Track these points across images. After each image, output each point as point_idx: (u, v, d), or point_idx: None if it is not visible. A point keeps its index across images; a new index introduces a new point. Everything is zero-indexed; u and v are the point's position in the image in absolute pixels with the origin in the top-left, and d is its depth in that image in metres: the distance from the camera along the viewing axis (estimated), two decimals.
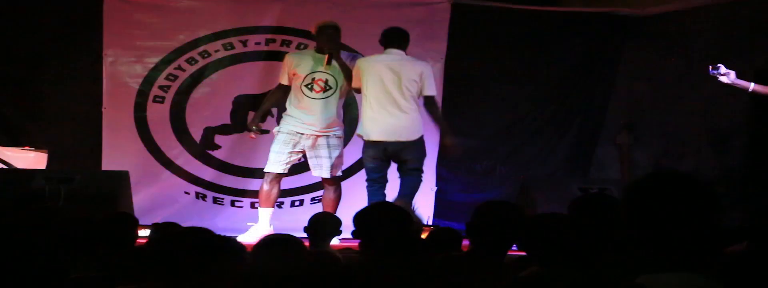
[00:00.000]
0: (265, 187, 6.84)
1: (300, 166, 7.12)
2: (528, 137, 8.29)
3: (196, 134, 7.70)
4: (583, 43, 8.24)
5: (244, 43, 7.65)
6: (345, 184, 7.07)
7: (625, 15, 8.14)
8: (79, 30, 7.58)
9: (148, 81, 7.59)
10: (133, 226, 4.34)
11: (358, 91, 6.78)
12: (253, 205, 7.50)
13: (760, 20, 7.25)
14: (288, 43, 7.68)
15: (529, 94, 8.27)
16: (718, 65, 6.17)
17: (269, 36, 7.69)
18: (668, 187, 1.99)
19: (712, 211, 1.97)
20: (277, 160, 6.78)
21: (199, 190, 7.70)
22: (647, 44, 8.17)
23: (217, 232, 2.65)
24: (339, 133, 6.85)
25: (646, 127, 8.28)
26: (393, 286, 2.59)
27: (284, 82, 6.89)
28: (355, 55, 7.02)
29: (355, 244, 3.60)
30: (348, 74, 6.71)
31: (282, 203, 7.56)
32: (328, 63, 6.67)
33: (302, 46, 7.56)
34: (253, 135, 6.95)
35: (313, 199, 7.72)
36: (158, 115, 7.61)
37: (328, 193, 6.93)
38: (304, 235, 4.61)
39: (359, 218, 3.53)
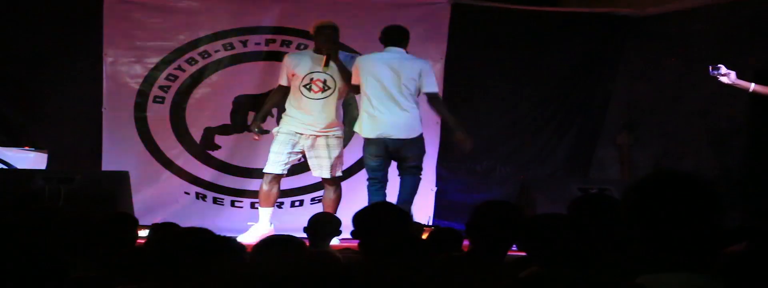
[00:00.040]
0: (265, 187, 6.84)
1: (300, 167, 7.12)
2: (528, 137, 8.29)
3: (196, 134, 7.70)
4: (583, 43, 8.24)
5: (244, 44, 7.66)
6: (345, 184, 7.06)
7: (625, 15, 8.14)
8: (79, 30, 7.58)
9: (148, 81, 7.59)
10: (133, 226, 4.34)
11: (357, 90, 6.78)
12: (253, 206, 7.50)
13: (760, 20, 7.25)
14: (288, 44, 7.68)
15: (529, 94, 8.27)
16: (719, 65, 6.17)
17: (269, 36, 7.69)
18: (669, 186, 1.98)
19: (713, 211, 1.97)
20: (276, 161, 6.78)
21: (199, 190, 7.70)
22: (647, 44, 8.16)
23: (218, 232, 2.65)
24: (338, 133, 6.84)
25: (646, 127, 8.28)
26: (393, 286, 2.58)
27: (283, 83, 6.89)
28: (355, 55, 7.01)
29: (355, 244, 3.60)
30: (346, 75, 6.70)
31: (282, 203, 7.56)
32: (326, 64, 6.68)
33: (302, 47, 7.56)
34: (256, 136, 6.95)
35: (313, 199, 7.72)
36: (158, 115, 7.62)
37: (328, 193, 6.93)
38: (304, 235, 4.62)
39: (359, 218, 3.53)
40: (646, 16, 8.09)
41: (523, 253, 3.32)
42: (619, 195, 2.08)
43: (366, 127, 6.64)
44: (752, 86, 6.17)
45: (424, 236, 4.97)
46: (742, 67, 6.40)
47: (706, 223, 1.96)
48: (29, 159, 7.19)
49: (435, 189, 7.88)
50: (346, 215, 4.53)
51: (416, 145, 6.69)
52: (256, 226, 6.86)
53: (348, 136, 7.23)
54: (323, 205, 6.93)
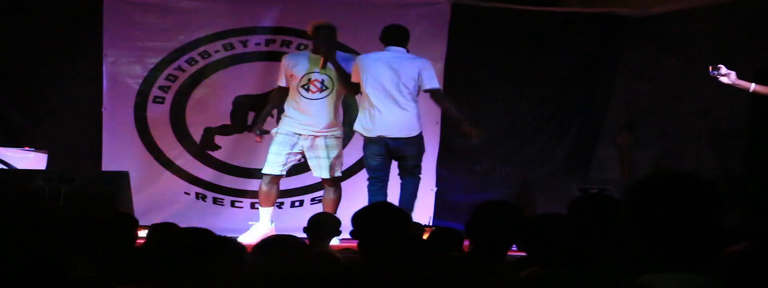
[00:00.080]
0: (264, 188, 6.83)
1: (300, 167, 7.12)
2: (528, 137, 8.29)
3: (196, 135, 7.70)
4: (583, 43, 8.24)
5: (244, 44, 7.66)
6: (345, 185, 7.06)
7: (625, 15, 8.14)
8: (79, 30, 7.58)
9: (148, 81, 7.59)
10: (133, 226, 4.34)
11: (357, 90, 6.78)
12: (253, 206, 7.50)
13: (760, 20, 7.25)
14: (288, 44, 7.68)
15: (529, 94, 8.27)
16: (719, 66, 6.15)
17: (269, 36, 7.69)
18: (669, 186, 1.98)
19: (713, 210, 1.97)
20: (274, 162, 6.78)
21: (199, 190, 7.70)
22: (647, 44, 8.17)
23: (218, 233, 2.65)
24: (337, 133, 6.84)
25: (646, 127, 8.28)
26: (393, 286, 2.58)
27: (282, 84, 6.89)
28: (353, 56, 7.00)
29: (355, 244, 3.60)
30: (344, 76, 6.69)
31: (282, 204, 7.56)
32: (324, 66, 6.67)
33: (302, 47, 7.56)
34: (258, 138, 6.94)
35: (313, 199, 7.72)
36: (158, 115, 7.62)
37: (327, 193, 6.92)
38: (304, 235, 4.62)
39: (358, 218, 3.53)
40: (646, 16, 8.09)
41: (523, 253, 3.31)
42: (619, 195, 2.08)
43: (366, 127, 6.64)
44: (753, 86, 6.16)
45: (426, 236, 4.96)
46: (742, 67, 6.40)
47: (706, 223, 1.96)
48: (29, 159, 7.19)
49: (435, 189, 7.88)
50: (346, 215, 4.52)
51: (416, 144, 6.68)
52: (256, 226, 6.86)
53: (348, 136, 7.23)
54: (323, 206, 6.92)
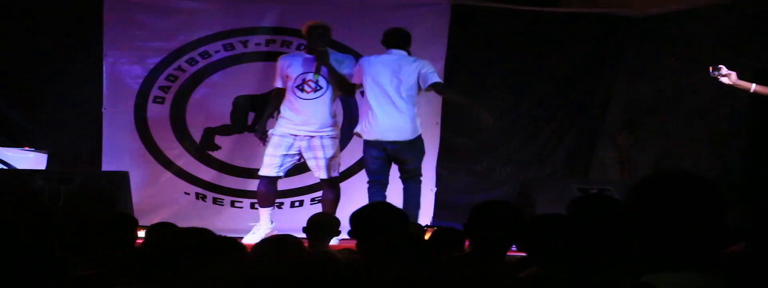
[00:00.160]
0: (262, 189, 6.83)
1: (299, 167, 7.12)
2: (528, 137, 8.29)
3: (196, 135, 7.70)
4: (583, 43, 8.24)
5: (245, 44, 7.65)
6: (344, 185, 7.06)
7: (625, 15, 8.13)
8: (79, 30, 7.58)
9: (148, 82, 7.59)
10: (133, 226, 4.34)
11: (351, 91, 6.78)
12: (253, 206, 7.50)
13: (760, 20, 7.25)
14: (288, 44, 7.68)
15: (529, 94, 8.26)
16: (719, 66, 6.15)
17: (269, 37, 7.69)
18: (670, 186, 1.98)
19: (714, 210, 1.97)
20: (270, 164, 6.77)
21: (199, 190, 7.70)
22: (647, 44, 8.16)
23: (218, 233, 2.65)
24: (333, 134, 6.81)
25: (646, 127, 8.28)
26: (393, 286, 2.58)
27: (279, 85, 6.88)
28: (350, 56, 6.99)
29: (354, 244, 3.60)
30: (338, 79, 6.68)
31: (282, 204, 7.56)
32: (317, 71, 6.65)
33: (302, 47, 7.55)
34: (262, 143, 6.93)
35: (312, 199, 7.72)
36: (158, 115, 7.62)
37: (327, 193, 6.92)
38: (304, 235, 4.61)
39: (356, 218, 3.53)
40: (646, 16, 8.08)
41: (523, 253, 3.31)
42: (619, 195, 2.08)
43: (366, 130, 6.64)
44: (753, 87, 6.15)
45: (427, 237, 4.95)
46: (742, 68, 6.40)
47: (707, 223, 1.96)
48: (29, 159, 7.19)
49: (435, 189, 7.88)
50: (345, 216, 4.52)
51: (414, 147, 6.67)
52: (258, 227, 6.85)
53: (347, 136, 7.22)
54: (322, 206, 6.92)
